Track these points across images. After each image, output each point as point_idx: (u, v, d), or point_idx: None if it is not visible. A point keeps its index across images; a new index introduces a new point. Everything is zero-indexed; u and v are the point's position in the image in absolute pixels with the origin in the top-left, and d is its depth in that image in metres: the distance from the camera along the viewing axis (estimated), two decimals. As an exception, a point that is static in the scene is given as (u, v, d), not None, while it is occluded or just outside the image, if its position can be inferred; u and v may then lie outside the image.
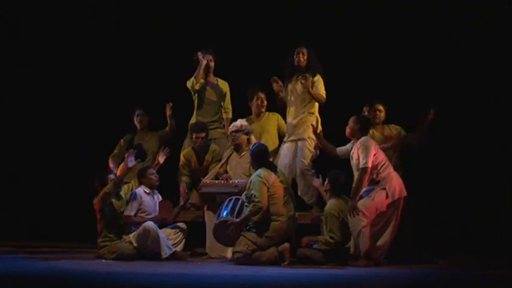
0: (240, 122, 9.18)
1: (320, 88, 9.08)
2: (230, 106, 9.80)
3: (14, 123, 11.57)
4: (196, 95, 9.70)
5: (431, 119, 8.96)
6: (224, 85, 9.79)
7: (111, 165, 9.62)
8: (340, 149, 8.67)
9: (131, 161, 8.86)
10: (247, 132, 9.16)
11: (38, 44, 11.49)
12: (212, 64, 9.69)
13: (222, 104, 9.76)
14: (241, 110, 9.68)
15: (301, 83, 9.04)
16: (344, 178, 8.46)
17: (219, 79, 9.79)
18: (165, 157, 9.36)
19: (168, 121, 9.80)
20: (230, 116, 9.74)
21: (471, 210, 10.04)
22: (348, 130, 8.52)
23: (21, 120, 11.56)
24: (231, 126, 9.21)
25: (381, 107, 9.13)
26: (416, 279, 7.43)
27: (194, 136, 9.31)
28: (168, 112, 9.77)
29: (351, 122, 8.51)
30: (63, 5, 11.40)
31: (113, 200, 8.82)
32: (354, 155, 8.39)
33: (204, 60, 9.59)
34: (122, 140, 9.80)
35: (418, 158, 9.34)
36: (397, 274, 7.79)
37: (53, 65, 11.46)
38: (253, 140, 9.13)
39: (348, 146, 8.60)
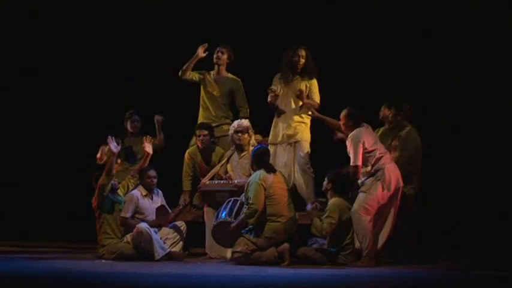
0: (245, 123, 9.11)
1: (315, 92, 9.03)
2: (244, 104, 9.53)
3: (14, 124, 11.57)
4: (201, 89, 9.64)
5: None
6: (232, 81, 9.56)
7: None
8: None
9: (115, 147, 8.84)
10: (250, 134, 9.14)
11: (36, 46, 11.49)
12: (225, 58, 9.54)
13: (227, 100, 9.58)
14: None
15: (296, 95, 8.96)
16: (344, 178, 8.45)
17: (229, 75, 9.60)
18: (151, 145, 9.16)
19: (157, 133, 9.60)
20: (244, 115, 9.45)
21: (472, 210, 10.03)
22: (342, 126, 8.48)
23: (21, 121, 11.56)
24: (236, 125, 9.09)
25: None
26: (416, 279, 7.42)
27: (197, 134, 9.25)
28: (157, 124, 9.57)
29: (342, 117, 8.43)
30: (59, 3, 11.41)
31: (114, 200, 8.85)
32: (348, 147, 8.36)
33: (201, 53, 9.41)
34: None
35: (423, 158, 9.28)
36: (397, 274, 7.79)
37: (51, 66, 11.46)
38: (254, 142, 9.11)
39: None
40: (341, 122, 8.45)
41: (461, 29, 10.25)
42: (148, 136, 9.29)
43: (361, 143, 8.20)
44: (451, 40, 10.30)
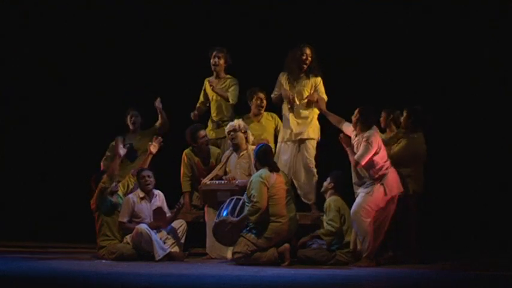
0: (237, 122, 9.10)
1: (322, 91, 9.08)
2: (233, 98, 9.50)
3: (13, 124, 11.56)
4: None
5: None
6: (229, 80, 9.57)
7: (102, 168, 9.53)
8: (348, 126, 8.54)
9: (121, 149, 8.84)
10: (245, 131, 9.12)
11: (36, 46, 11.49)
12: (222, 63, 9.56)
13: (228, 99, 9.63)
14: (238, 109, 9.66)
15: (315, 105, 8.97)
16: (345, 179, 8.46)
17: (227, 76, 9.61)
18: (157, 146, 9.10)
19: (159, 114, 9.58)
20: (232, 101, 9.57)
21: (472, 211, 10.04)
22: (353, 125, 8.44)
23: (20, 121, 11.55)
24: (228, 126, 9.12)
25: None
26: (416, 279, 7.43)
27: (200, 137, 9.21)
28: (158, 105, 9.55)
29: (355, 115, 8.40)
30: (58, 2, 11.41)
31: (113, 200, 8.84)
32: (355, 144, 8.34)
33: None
34: (111, 144, 9.52)
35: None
36: (397, 274, 7.80)
37: (49, 65, 11.45)
38: (251, 138, 9.10)
39: (352, 129, 8.49)
40: (353, 120, 8.42)
41: (461, 28, 10.26)
42: (158, 137, 9.25)
43: (374, 149, 8.22)
44: (451, 40, 10.31)
